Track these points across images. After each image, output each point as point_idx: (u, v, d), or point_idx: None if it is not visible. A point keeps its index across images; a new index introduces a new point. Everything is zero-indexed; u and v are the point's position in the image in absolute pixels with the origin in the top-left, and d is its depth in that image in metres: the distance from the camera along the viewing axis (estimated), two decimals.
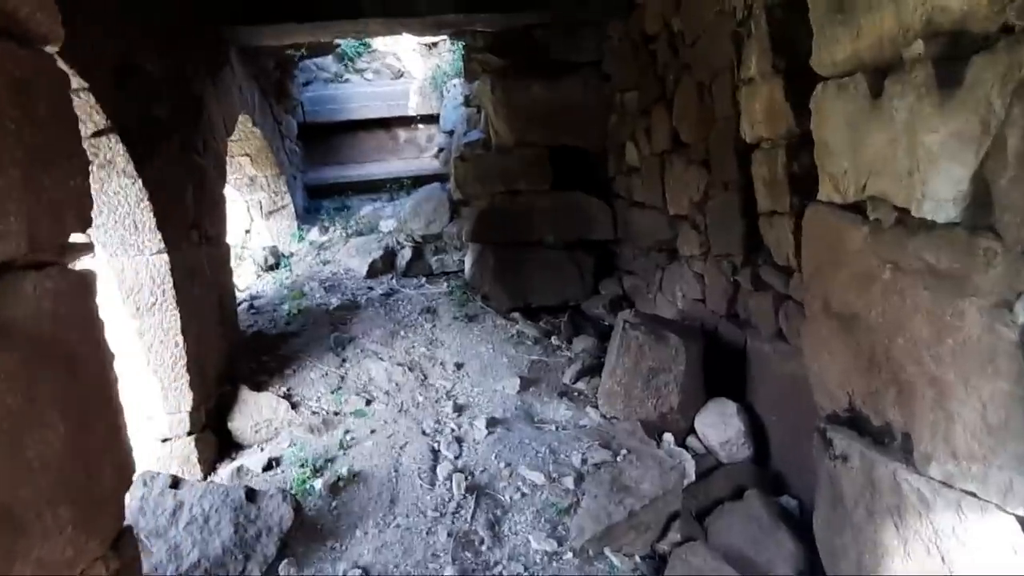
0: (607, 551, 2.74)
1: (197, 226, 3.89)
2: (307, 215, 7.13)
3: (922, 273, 1.64)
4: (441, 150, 7.39)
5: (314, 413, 3.91)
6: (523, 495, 3.11)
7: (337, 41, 7.31)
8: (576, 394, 4.00)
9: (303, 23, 4.45)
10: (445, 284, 5.57)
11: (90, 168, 1.43)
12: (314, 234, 6.69)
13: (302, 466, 3.43)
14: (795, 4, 2.59)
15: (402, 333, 4.77)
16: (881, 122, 1.70)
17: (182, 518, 2.84)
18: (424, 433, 3.67)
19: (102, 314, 1.44)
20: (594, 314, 5.09)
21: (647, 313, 3.79)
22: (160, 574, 2.65)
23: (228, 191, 4.84)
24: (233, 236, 5.53)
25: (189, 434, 3.64)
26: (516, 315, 5.04)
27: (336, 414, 3.91)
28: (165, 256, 3.47)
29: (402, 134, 7.94)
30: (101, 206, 3.28)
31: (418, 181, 7.18)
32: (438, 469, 3.32)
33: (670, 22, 3.80)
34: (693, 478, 3.13)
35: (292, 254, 6.42)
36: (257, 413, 3.90)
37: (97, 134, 3.05)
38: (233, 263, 4.70)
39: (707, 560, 2.51)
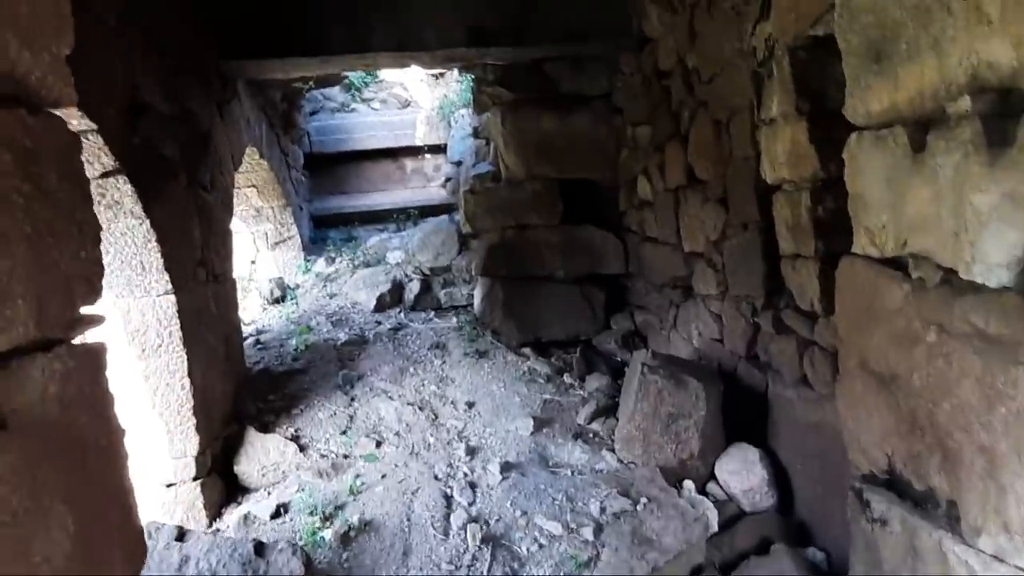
0: None
1: (204, 264, 3.83)
2: (313, 245, 7.08)
3: (971, 337, 1.56)
4: (448, 180, 7.36)
5: (323, 456, 3.81)
6: (540, 546, 3.00)
7: (343, 72, 7.31)
8: (591, 436, 3.90)
9: (311, 57, 4.43)
10: (454, 318, 5.49)
11: (100, 235, 1.36)
12: (320, 265, 6.63)
13: (311, 513, 3.33)
14: (820, 46, 2.55)
15: (411, 370, 4.69)
16: (923, 178, 1.64)
17: (188, 573, 2.74)
18: (436, 478, 3.57)
19: (112, 388, 1.36)
20: (606, 349, 5.00)
21: (664, 354, 3.71)
22: None
23: (234, 223, 4.79)
24: (239, 268, 5.48)
25: (195, 479, 3.55)
26: (527, 350, 4.96)
27: (346, 457, 3.82)
28: (172, 297, 3.41)
29: (409, 164, 7.92)
30: (107, 247, 3.22)
31: (425, 211, 7.15)
32: (452, 518, 3.22)
33: (684, 58, 3.76)
34: (715, 528, 3.03)
35: (298, 286, 6.36)
36: (264, 456, 3.81)
37: (105, 175, 3.00)
38: (239, 295, 4.63)
39: None
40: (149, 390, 3.46)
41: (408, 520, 3.25)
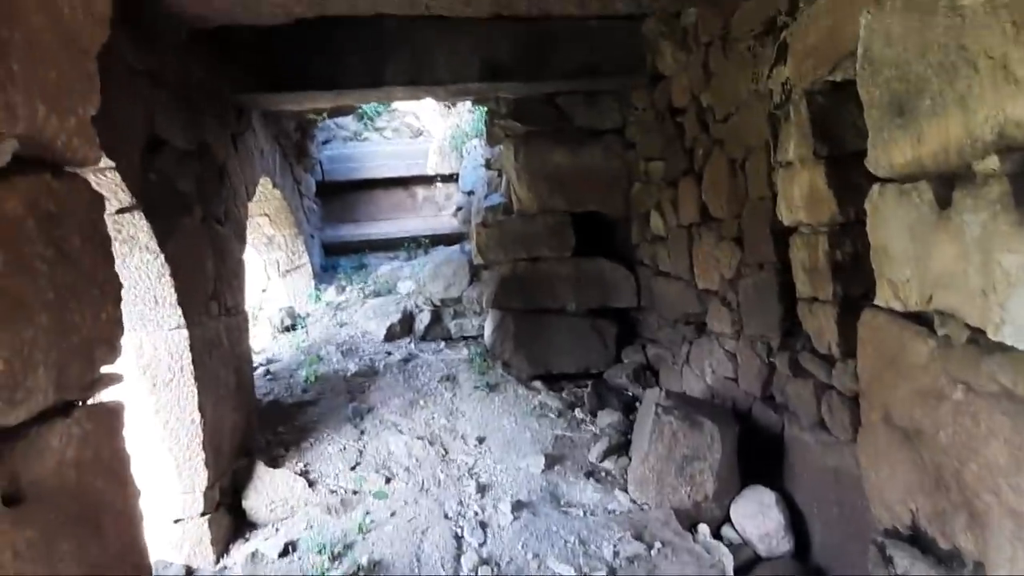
0: None
1: (216, 297, 3.83)
2: (324, 273, 7.09)
3: (999, 397, 1.53)
4: (459, 209, 7.38)
5: (332, 492, 3.77)
6: None
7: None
8: (603, 474, 3.84)
9: (326, 90, 4.47)
10: (465, 350, 5.47)
11: (121, 294, 1.35)
12: (331, 293, 6.63)
13: (320, 552, 3.29)
14: (838, 91, 2.55)
15: (421, 403, 4.65)
16: (950, 234, 1.61)
17: None
18: (447, 516, 3.52)
19: (128, 446, 1.35)
20: (617, 384, 4.96)
21: (678, 393, 3.67)
22: None
23: (246, 251, 4.80)
24: (250, 296, 5.48)
25: (203, 514, 3.51)
26: (538, 384, 4.92)
27: (355, 493, 3.77)
28: (184, 331, 3.40)
29: (420, 192, 7.95)
30: (122, 281, 3.23)
31: (436, 240, 7.17)
32: (462, 559, 3.16)
33: (699, 96, 3.77)
34: (731, 574, 2.96)
35: (309, 314, 6.36)
36: (273, 491, 3.77)
37: (121, 211, 3.02)
38: (250, 324, 4.62)
39: None
40: (159, 424, 3.44)
41: (418, 561, 3.20)
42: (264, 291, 6.75)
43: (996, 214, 1.48)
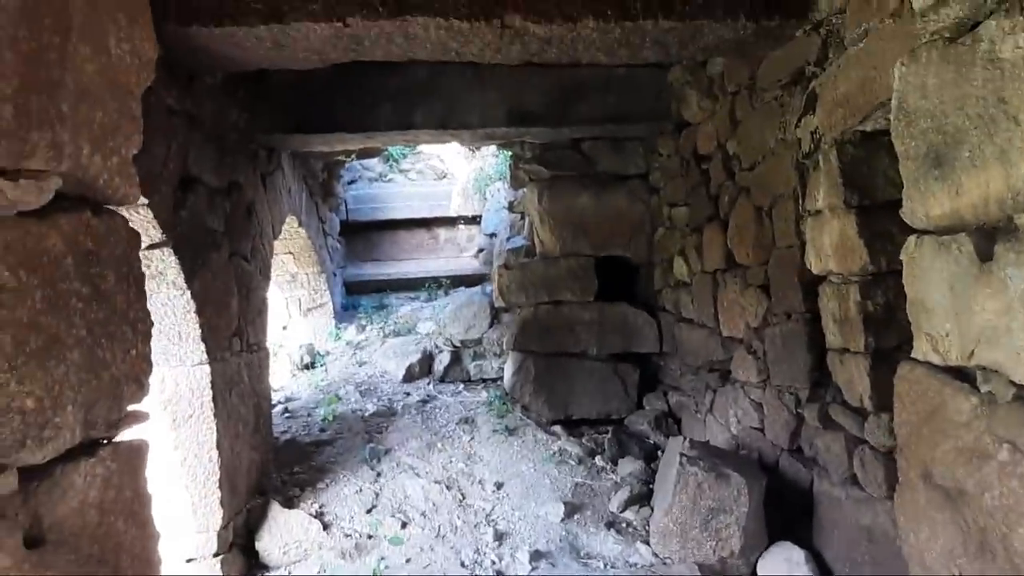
0: None
1: (239, 334, 3.84)
2: (345, 312, 7.11)
3: None
4: (481, 250, 7.41)
5: (347, 536, 3.71)
6: None
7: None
8: (624, 525, 3.74)
9: (356, 133, 4.54)
10: (484, 392, 5.41)
11: (151, 332, 1.35)
12: (351, 332, 6.64)
13: None
14: (869, 140, 2.54)
15: (439, 445, 4.59)
16: (992, 289, 1.57)
17: None
18: (463, 565, 3.43)
19: (149, 488, 1.33)
20: (638, 431, 4.86)
21: (702, 443, 3.58)
22: None
23: (270, 289, 4.83)
24: (271, 333, 5.50)
25: (216, 555, 3.46)
26: (558, 428, 4.84)
27: (370, 537, 3.70)
28: (207, 367, 3.41)
29: (442, 234, 8.01)
30: None
31: (457, 281, 7.18)
32: None
33: (724, 144, 3.78)
34: None
35: (328, 352, 6.36)
36: (287, 533, 3.71)
37: (151, 247, 3.05)
38: (270, 361, 4.61)
39: None
40: (177, 460, 3.42)
41: None
42: (285, 328, 6.77)
43: None
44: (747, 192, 3.52)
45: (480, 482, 4.20)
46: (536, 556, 3.43)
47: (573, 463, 4.39)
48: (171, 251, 3.10)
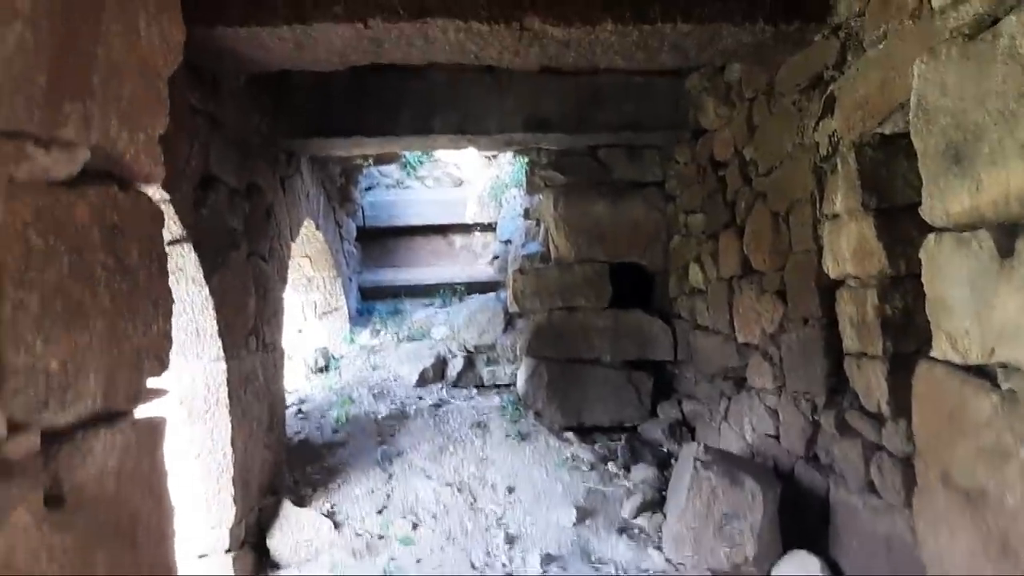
0: None
1: (255, 332, 3.87)
2: (359, 317, 7.14)
3: None
4: (496, 258, 7.43)
5: (358, 535, 3.71)
6: None
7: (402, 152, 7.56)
8: (637, 531, 3.71)
9: (374, 137, 4.59)
10: (496, 397, 5.41)
11: (172, 309, 1.37)
12: (365, 337, 6.66)
13: None
14: (888, 144, 2.53)
15: (451, 449, 4.59)
16: (1013, 285, 1.56)
17: None
18: (473, 566, 3.43)
19: (166, 463, 1.34)
20: (651, 439, 4.84)
21: (717, 449, 3.55)
22: None
23: (286, 292, 4.87)
24: (286, 336, 5.54)
25: (227, 551, 3.47)
26: (570, 435, 4.82)
27: (381, 537, 3.70)
28: (223, 364, 3.43)
29: (458, 240, 8.04)
30: None
31: (472, 287, 7.18)
32: None
33: (742, 150, 3.78)
34: None
35: (342, 356, 6.38)
36: (298, 531, 3.72)
37: (172, 243, 3.09)
38: (285, 362, 4.64)
39: None
40: (191, 456, 3.44)
41: None
42: (300, 332, 6.81)
43: None
44: (764, 197, 3.51)
45: (492, 486, 4.19)
46: (547, 559, 3.42)
47: (585, 469, 4.37)
48: (191, 247, 3.14)
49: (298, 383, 5.90)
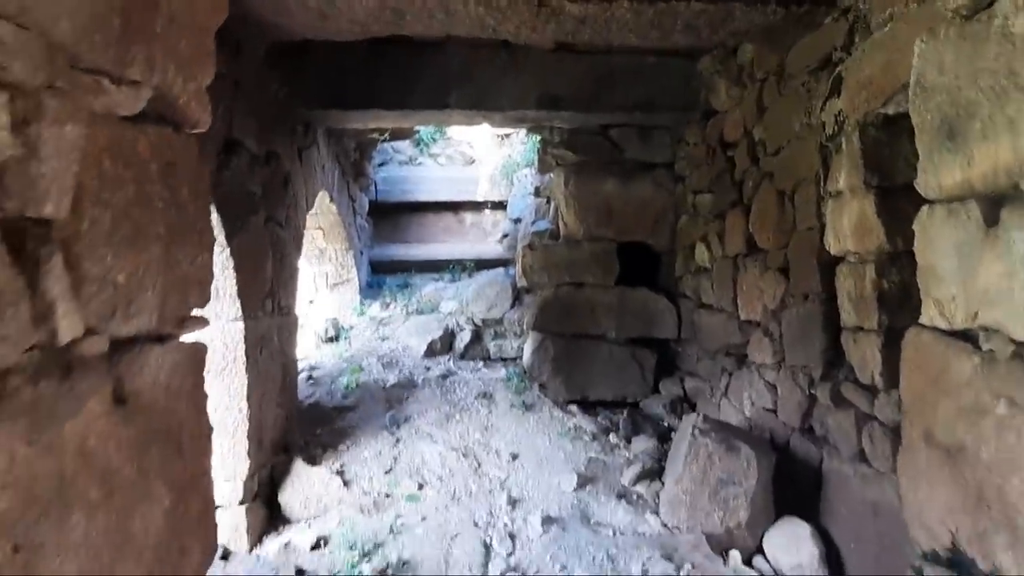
0: None
1: (272, 296, 3.99)
2: (369, 289, 7.27)
3: None
4: (506, 236, 7.53)
5: (365, 493, 3.85)
6: None
7: (416, 127, 7.65)
8: (635, 497, 3.84)
9: (391, 110, 4.67)
10: (503, 370, 5.54)
11: (213, 245, 1.48)
12: (375, 309, 6.79)
13: (351, 548, 3.36)
14: (890, 124, 2.61)
15: (457, 417, 4.72)
16: (996, 252, 1.66)
17: None
18: (476, 525, 3.56)
19: (206, 386, 1.46)
20: (653, 413, 4.96)
21: (716, 420, 3.67)
22: None
23: (300, 261, 5.00)
24: (299, 305, 5.67)
25: (240, 503, 3.61)
26: (573, 407, 4.95)
27: (388, 496, 3.84)
28: (241, 324, 3.56)
29: (468, 218, 8.15)
30: None
31: (481, 264, 7.30)
32: (490, 566, 3.20)
33: (751, 130, 3.86)
34: None
35: (352, 327, 6.52)
36: (309, 488, 3.86)
37: None
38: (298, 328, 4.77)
39: None
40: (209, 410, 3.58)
41: (446, 564, 3.24)
42: (311, 302, 6.95)
43: None
44: (771, 177, 3.60)
45: (496, 452, 4.33)
46: (548, 521, 3.55)
47: (587, 439, 4.50)
48: (214, 208, 3.26)
49: (309, 351, 6.04)
